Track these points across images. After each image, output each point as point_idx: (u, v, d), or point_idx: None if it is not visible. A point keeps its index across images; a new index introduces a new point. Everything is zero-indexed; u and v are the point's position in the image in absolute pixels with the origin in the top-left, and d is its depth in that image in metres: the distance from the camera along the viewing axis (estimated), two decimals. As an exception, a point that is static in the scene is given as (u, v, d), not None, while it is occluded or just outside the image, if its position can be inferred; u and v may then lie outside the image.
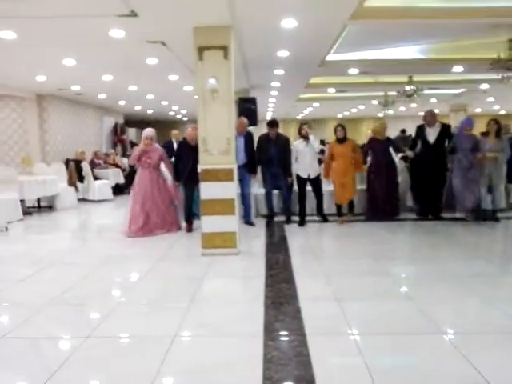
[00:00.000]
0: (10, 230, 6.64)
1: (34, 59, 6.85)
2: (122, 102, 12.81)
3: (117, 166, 11.70)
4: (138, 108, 14.31)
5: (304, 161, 6.45)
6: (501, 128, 6.43)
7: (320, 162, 7.00)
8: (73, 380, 2.34)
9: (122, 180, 11.33)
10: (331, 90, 11.86)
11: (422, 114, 7.02)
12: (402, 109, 15.69)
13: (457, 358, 2.44)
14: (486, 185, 6.27)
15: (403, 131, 13.82)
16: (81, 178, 10.01)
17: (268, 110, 16.28)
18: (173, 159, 6.54)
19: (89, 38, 5.57)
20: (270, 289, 3.70)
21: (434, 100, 13.93)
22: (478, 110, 17.88)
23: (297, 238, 5.78)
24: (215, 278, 4.15)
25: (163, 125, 17.27)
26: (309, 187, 6.63)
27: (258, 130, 9.59)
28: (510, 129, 8.34)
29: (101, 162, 11.35)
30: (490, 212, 6.38)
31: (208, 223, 4.91)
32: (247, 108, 8.57)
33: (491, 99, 14.50)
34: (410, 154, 6.73)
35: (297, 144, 6.57)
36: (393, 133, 11.75)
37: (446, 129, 6.67)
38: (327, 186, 6.85)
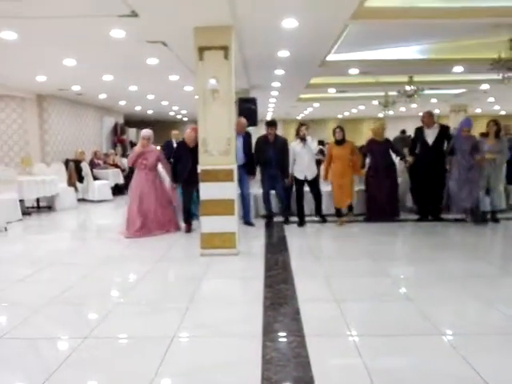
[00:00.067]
0: (9, 230, 6.64)
1: (34, 59, 6.84)
2: (122, 102, 12.81)
3: (116, 166, 11.69)
4: (138, 108, 14.31)
5: (301, 162, 6.44)
6: (500, 129, 6.42)
7: (319, 162, 7.00)
8: (71, 380, 2.34)
9: (121, 180, 11.32)
10: (331, 91, 11.86)
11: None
12: (403, 109, 15.68)
13: (456, 359, 2.44)
14: (484, 187, 6.26)
15: (403, 132, 13.80)
16: (80, 179, 10.00)
17: (268, 110, 16.28)
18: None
19: (89, 38, 5.57)
20: (269, 289, 3.70)
21: (434, 100, 13.93)
22: (479, 111, 17.87)
23: (296, 238, 5.77)
24: (214, 278, 4.14)
25: (163, 125, 17.27)
26: (307, 188, 6.63)
27: (258, 131, 9.59)
28: (510, 129, 8.33)
29: (100, 162, 11.35)
30: (489, 213, 6.38)
31: (207, 223, 4.90)
32: (247, 108, 8.56)
33: (491, 100, 14.49)
34: (409, 159, 6.72)
35: (294, 145, 6.56)
36: (393, 133, 11.74)
37: (444, 130, 6.67)
38: (326, 187, 6.84)
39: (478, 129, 12.22)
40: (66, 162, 10.21)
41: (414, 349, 2.60)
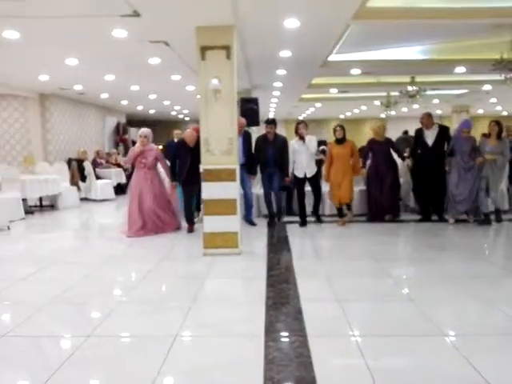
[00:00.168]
0: (12, 228, 6.66)
1: (36, 59, 6.86)
2: (124, 102, 12.82)
3: (119, 165, 11.72)
4: (140, 108, 14.32)
5: (300, 160, 6.43)
6: (502, 129, 6.41)
7: (320, 162, 6.99)
8: (74, 379, 2.34)
9: (123, 180, 11.35)
10: (333, 91, 11.86)
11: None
12: (405, 110, 15.66)
13: (458, 360, 2.44)
14: (484, 188, 6.25)
15: (405, 132, 13.77)
16: (83, 178, 10.02)
17: (270, 110, 16.27)
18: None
19: (91, 38, 5.59)
20: (272, 289, 3.70)
21: (436, 101, 13.91)
22: (481, 112, 17.84)
23: (298, 238, 5.78)
24: (217, 278, 4.15)
25: (165, 125, 17.29)
26: (308, 187, 6.61)
27: (260, 131, 9.59)
28: (512, 130, 8.32)
29: (103, 161, 11.38)
30: (493, 214, 6.37)
31: (210, 223, 4.91)
32: (249, 108, 8.55)
33: (494, 100, 14.46)
34: (409, 163, 6.75)
35: (293, 143, 6.55)
36: (395, 134, 11.73)
37: (443, 130, 6.67)
38: (326, 187, 6.80)
39: (479, 129, 12.18)
40: (69, 161, 10.23)
41: (416, 349, 2.60)
